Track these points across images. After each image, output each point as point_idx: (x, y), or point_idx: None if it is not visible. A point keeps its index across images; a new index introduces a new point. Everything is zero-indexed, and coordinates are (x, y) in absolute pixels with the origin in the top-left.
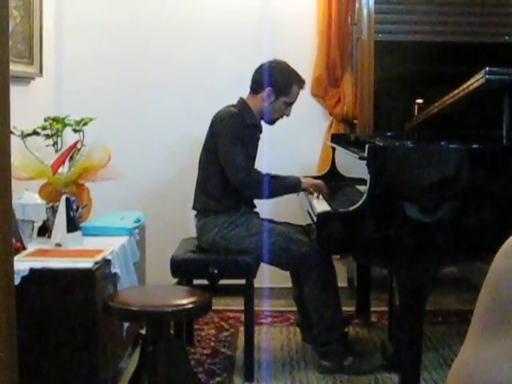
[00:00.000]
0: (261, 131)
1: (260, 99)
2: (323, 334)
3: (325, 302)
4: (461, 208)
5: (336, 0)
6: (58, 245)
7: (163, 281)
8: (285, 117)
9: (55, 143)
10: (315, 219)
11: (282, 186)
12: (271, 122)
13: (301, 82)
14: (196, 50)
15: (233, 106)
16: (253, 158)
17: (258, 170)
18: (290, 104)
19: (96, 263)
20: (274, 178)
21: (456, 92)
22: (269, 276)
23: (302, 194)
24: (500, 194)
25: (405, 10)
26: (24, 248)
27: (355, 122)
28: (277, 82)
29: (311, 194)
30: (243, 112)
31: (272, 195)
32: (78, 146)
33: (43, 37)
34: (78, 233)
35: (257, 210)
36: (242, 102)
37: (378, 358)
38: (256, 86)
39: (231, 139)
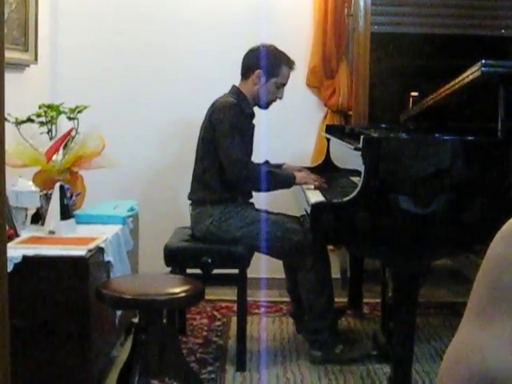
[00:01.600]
0: (254, 117)
1: (251, 83)
2: (314, 321)
3: (317, 290)
4: (454, 199)
5: None
6: (52, 232)
7: (156, 269)
8: (278, 101)
9: (50, 130)
10: (309, 210)
11: (277, 181)
12: (265, 105)
13: (290, 63)
14: (191, 39)
15: (229, 95)
16: (250, 147)
17: (255, 162)
18: (281, 86)
19: (89, 251)
20: (269, 173)
21: (452, 84)
22: (262, 266)
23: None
24: (494, 186)
25: (401, 2)
26: (17, 235)
27: (350, 113)
28: (266, 63)
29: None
30: (240, 101)
31: (266, 189)
32: (73, 133)
33: (38, 24)
34: (72, 220)
35: (252, 200)
36: (236, 90)
37: (368, 345)
38: (246, 71)
39: (230, 131)
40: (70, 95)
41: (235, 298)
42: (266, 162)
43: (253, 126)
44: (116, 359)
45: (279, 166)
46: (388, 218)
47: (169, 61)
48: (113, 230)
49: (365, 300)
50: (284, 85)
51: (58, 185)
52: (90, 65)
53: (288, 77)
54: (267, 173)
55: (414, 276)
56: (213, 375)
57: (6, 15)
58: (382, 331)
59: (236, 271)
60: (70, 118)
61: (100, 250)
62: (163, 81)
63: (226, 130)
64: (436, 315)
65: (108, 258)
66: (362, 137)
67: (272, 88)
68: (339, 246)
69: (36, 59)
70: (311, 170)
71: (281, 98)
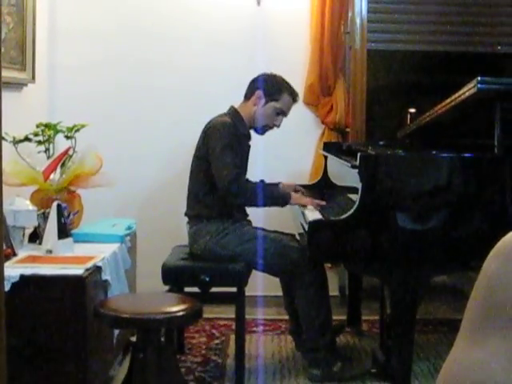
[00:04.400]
0: (250, 139)
1: (251, 104)
2: (312, 339)
3: (315, 308)
4: (452, 217)
5: (329, 9)
6: (49, 251)
7: (154, 288)
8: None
9: (47, 149)
10: (307, 227)
11: (272, 196)
12: (262, 130)
13: (293, 93)
14: (189, 58)
15: (225, 114)
16: (245, 166)
17: (248, 179)
18: (280, 113)
19: (87, 270)
20: (264, 189)
21: (448, 101)
22: (260, 284)
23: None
24: (491, 203)
25: (397, 20)
26: (15, 254)
27: (347, 130)
28: (268, 85)
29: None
30: (235, 121)
31: (260, 205)
32: (70, 152)
33: (36, 43)
34: (69, 239)
35: (249, 218)
36: (233, 110)
37: (367, 363)
38: (248, 92)
39: (222, 148)
40: (67, 114)
41: (233, 315)
42: (261, 182)
43: (248, 147)
44: (114, 378)
45: (275, 186)
46: (385, 236)
47: (167, 80)
48: (110, 248)
49: (363, 317)
50: (284, 113)
51: (55, 204)
52: (88, 84)
53: (289, 107)
54: (262, 188)
55: (411, 293)
56: None
57: (3, 35)
58: (381, 348)
59: (234, 289)
60: (67, 137)
61: (97, 269)
62: (161, 100)
63: (219, 147)
64: (435, 332)
65: (106, 276)
66: (359, 154)
67: (270, 112)
68: (337, 263)
69: (33, 78)
70: (309, 187)
71: (278, 127)
